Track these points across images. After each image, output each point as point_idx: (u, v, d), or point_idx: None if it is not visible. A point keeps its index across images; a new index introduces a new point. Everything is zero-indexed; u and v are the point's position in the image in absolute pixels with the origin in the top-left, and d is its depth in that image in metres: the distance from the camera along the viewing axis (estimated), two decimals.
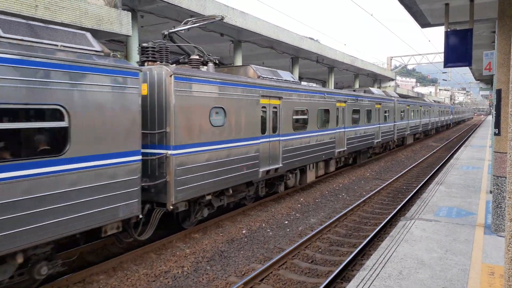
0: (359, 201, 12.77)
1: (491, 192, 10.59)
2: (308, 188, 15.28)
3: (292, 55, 24.80)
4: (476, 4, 8.26)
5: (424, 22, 10.23)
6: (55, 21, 9.84)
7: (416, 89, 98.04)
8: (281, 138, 12.40)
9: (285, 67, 28.16)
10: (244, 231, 10.09)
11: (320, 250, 8.93)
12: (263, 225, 10.69)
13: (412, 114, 31.44)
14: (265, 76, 11.93)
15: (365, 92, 22.18)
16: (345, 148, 17.71)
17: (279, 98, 12.22)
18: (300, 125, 13.62)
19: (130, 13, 11.95)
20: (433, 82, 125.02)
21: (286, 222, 11.08)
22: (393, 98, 26.05)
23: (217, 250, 8.80)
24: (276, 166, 12.16)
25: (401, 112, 27.68)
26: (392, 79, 46.64)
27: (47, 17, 9.64)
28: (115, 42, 18.14)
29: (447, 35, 8.15)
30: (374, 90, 23.51)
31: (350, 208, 11.95)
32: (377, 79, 44.86)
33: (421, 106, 35.12)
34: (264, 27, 18.27)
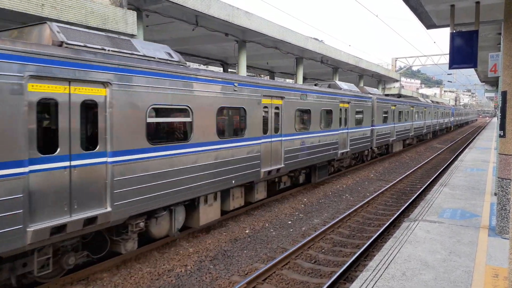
0: (362, 202, 12.74)
1: (495, 194, 10.55)
2: (312, 189, 15.27)
3: (297, 56, 24.76)
4: (482, 5, 8.23)
5: (429, 24, 10.20)
6: (61, 20, 9.89)
7: (421, 91, 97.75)
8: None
9: (290, 67, 28.16)
10: (247, 231, 10.10)
11: (323, 250, 8.93)
12: (267, 225, 10.70)
13: (400, 115, 26.99)
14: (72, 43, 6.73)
15: (329, 86, 17.76)
16: (282, 165, 12.26)
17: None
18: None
19: (136, 12, 11.97)
20: (438, 83, 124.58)
21: (290, 222, 11.08)
22: (370, 95, 21.05)
23: (221, 249, 8.82)
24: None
25: (384, 113, 23.16)
26: (397, 80, 46.46)
27: (53, 15, 9.69)
28: None
29: (453, 36, 8.13)
30: (344, 84, 18.40)
31: (353, 209, 11.93)
32: (381, 80, 44.72)
33: (412, 107, 30.75)
34: (269, 27, 18.26)
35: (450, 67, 8.34)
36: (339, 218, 10.90)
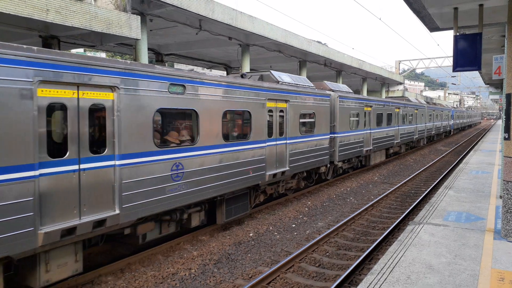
0: (367, 205, 12.71)
1: (501, 197, 10.49)
2: (316, 192, 15.24)
3: (300, 59, 24.80)
4: (485, 8, 8.22)
5: (433, 26, 10.19)
6: (66, 25, 9.96)
7: (424, 93, 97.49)
8: None
9: (293, 70, 28.18)
10: (251, 234, 10.10)
11: (327, 254, 8.91)
12: (270, 228, 10.68)
13: (380, 119, 21.96)
14: None
15: (261, 78, 12.74)
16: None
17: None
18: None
19: (139, 17, 12.04)
20: (442, 86, 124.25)
21: (294, 225, 11.06)
22: (329, 93, 15.86)
23: (225, 252, 8.81)
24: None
25: (353, 116, 18.03)
26: (401, 83, 46.39)
27: (58, 21, 9.77)
28: (125, 46, 18.30)
29: (456, 39, 8.12)
30: (286, 76, 13.48)
31: (358, 212, 11.90)
32: (385, 83, 44.67)
33: (398, 108, 25.51)
34: (272, 30, 18.32)
35: (454, 69, 8.32)
36: (344, 221, 10.87)
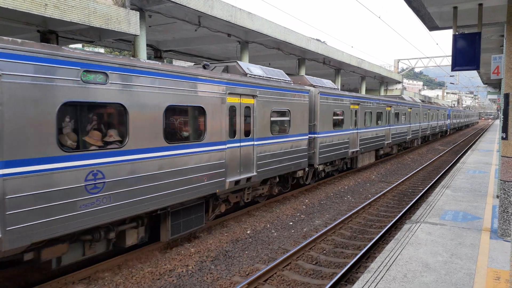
0: (364, 204, 12.73)
1: (497, 196, 10.54)
2: (314, 190, 15.26)
3: (299, 57, 24.78)
4: (484, 7, 8.22)
5: (432, 25, 10.19)
6: (64, 20, 9.92)
7: (423, 92, 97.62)
8: None
9: (292, 68, 28.17)
10: (248, 231, 10.11)
11: (324, 251, 8.93)
12: (268, 225, 10.70)
13: (369, 118, 20.34)
14: None
15: (226, 70, 11.26)
16: None
17: None
18: None
19: (138, 12, 12.01)
20: (441, 85, 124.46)
21: (291, 223, 11.08)
22: (308, 88, 14.23)
23: (222, 249, 8.82)
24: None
25: (337, 115, 16.50)
26: (399, 82, 46.44)
27: (56, 16, 9.72)
28: (123, 42, 18.24)
29: (455, 38, 8.12)
30: (256, 68, 11.96)
31: (355, 210, 11.92)
32: (384, 81, 44.71)
33: (389, 106, 23.88)
34: (271, 28, 18.28)
35: (453, 69, 8.33)
36: (341, 219, 10.89)
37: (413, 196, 14.66)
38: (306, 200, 13.57)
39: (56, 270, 7.25)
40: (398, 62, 50.25)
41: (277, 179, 12.62)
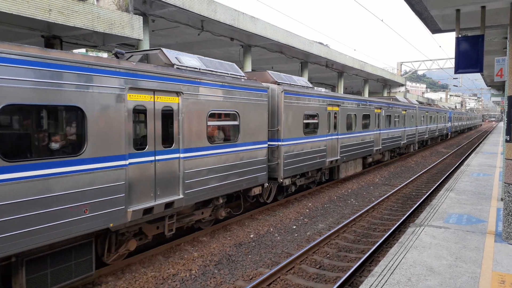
0: (368, 207, 12.70)
1: (502, 199, 10.48)
2: (317, 193, 15.24)
3: (302, 60, 24.81)
4: (487, 10, 8.21)
5: (435, 28, 10.19)
6: (68, 25, 9.99)
7: (426, 95, 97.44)
8: None
9: (295, 71, 28.19)
10: (252, 235, 10.10)
11: (328, 255, 8.90)
12: (271, 229, 10.68)
13: (353, 121, 17.75)
14: None
15: (145, 59, 9.00)
16: None
17: None
18: None
19: (142, 17, 12.08)
20: (444, 88, 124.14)
21: (294, 227, 11.06)
22: (264, 87, 11.46)
23: (225, 254, 8.81)
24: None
25: (309, 118, 13.92)
26: (402, 85, 46.40)
27: (60, 21, 9.79)
28: (126, 46, 18.35)
29: (458, 41, 8.11)
30: (189, 58, 9.30)
31: (358, 213, 11.89)
32: (386, 84, 44.68)
33: (379, 108, 21.18)
34: (274, 31, 18.33)
35: (456, 71, 8.31)
36: (344, 223, 10.86)
37: (416, 199, 14.61)
38: (309, 204, 13.55)
39: None
40: (401, 64, 50.23)
41: (221, 200, 9.99)
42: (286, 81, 13.28)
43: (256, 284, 7.00)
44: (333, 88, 45.74)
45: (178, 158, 8.32)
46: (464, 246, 7.28)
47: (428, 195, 14.72)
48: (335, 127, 16.03)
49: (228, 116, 10.04)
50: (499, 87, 32.05)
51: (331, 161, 15.59)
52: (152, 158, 7.69)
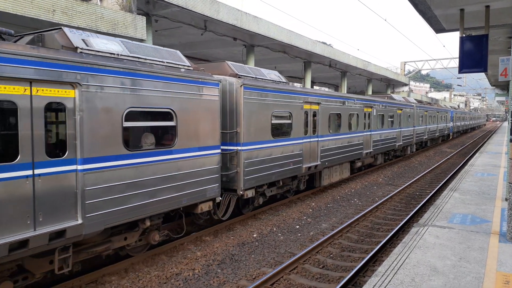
0: (371, 207, 12.67)
1: (506, 199, 10.43)
2: (320, 193, 15.22)
3: (305, 60, 24.80)
4: (491, 9, 8.18)
5: (438, 28, 10.16)
6: (72, 25, 10.03)
7: (430, 95, 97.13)
8: None
9: (298, 71, 28.19)
10: (255, 235, 10.10)
11: (331, 255, 8.89)
12: (274, 229, 10.68)
13: (335, 121, 15.64)
14: None
15: (40, 41, 6.67)
16: None
17: None
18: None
19: (145, 17, 12.11)
20: (448, 87, 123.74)
21: (297, 226, 11.05)
22: (215, 80, 9.33)
23: (228, 253, 8.82)
24: None
25: (279, 118, 11.94)
26: (406, 84, 46.30)
27: (64, 21, 9.84)
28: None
29: (462, 40, 8.09)
30: (103, 41, 7.27)
31: (362, 213, 11.86)
32: (390, 84, 44.58)
33: (369, 107, 19.13)
34: (277, 31, 18.33)
35: (460, 71, 8.29)
36: (348, 222, 10.84)
37: (420, 199, 14.56)
38: (313, 204, 13.54)
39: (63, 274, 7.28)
40: (405, 64, 50.11)
41: (149, 222, 7.86)
42: (251, 74, 11.30)
43: (259, 283, 7.00)
44: (337, 87, 45.72)
45: (75, 171, 6.27)
46: (468, 246, 7.25)
47: (432, 195, 14.67)
48: (314, 128, 14.05)
49: (158, 116, 7.90)
50: (504, 86, 31.92)
51: (309, 167, 13.56)
52: (27, 172, 5.66)
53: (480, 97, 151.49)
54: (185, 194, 8.40)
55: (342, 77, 31.97)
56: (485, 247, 7.17)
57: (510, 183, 7.45)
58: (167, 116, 8.02)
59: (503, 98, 33.97)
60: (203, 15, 13.90)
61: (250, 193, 10.81)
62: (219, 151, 9.46)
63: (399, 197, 15.00)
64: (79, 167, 6.32)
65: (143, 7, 13.32)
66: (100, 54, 6.91)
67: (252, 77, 11.17)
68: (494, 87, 37.91)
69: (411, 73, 52.79)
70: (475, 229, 8.26)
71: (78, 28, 10.38)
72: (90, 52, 6.77)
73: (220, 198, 9.78)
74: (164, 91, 7.86)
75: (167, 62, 8.19)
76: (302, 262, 8.32)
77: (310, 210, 12.80)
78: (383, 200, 13.73)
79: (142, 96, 7.42)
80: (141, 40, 12.66)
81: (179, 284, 7.30)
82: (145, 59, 7.73)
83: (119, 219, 7.00)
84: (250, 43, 19.17)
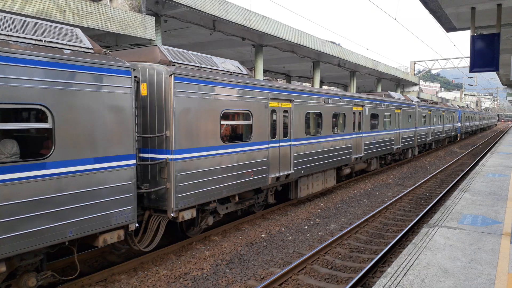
0: (380, 207, 12.59)
1: None
2: (329, 193, 15.16)
3: (314, 59, 24.72)
4: (503, 8, 8.08)
5: (449, 27, 10.05)
6: (82, 26, 10.12)
7: (440, 94, 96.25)
8: None
9: (306, 71, 28.11)
10: (263, 235, 10.09)
11: (340, 256, 8.85)
12: (283, 229, 10.66)
13: (316, 122, 13.59)
14: None
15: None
16: None
17: None
18: None
19: (154, 17, 12.17)
20: (458, 87, 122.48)
21: (306, 227, 11.02)
22: (126, 67, 6.83)
23: (237, 253, 8.82)
24: None
25: (230, 118, 9.70)
26: (416, 84, 45.91)
27: (74, 22, 9.92)
28: (139, 46, 18.51)
29: (473, 39, 7.99)
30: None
31: (371, 214, 11.79)
32: (400, 83, 44.26)
33: (360, 106, 16.71)
34: (285, 31, 18.29)
35: (471, 70, 8.20)
36: (357, 223, 10.78)
37: (430, 199, 14.43)
38: (321, 204, 13.49)
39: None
40: (415, 64, 49.71)
41: (30, 259, 5.95)
42: (195, 62, 8.91)
43: (267, 283, 6.99)
44: (346, 87, 45.52)
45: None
46: (479, 247, 7.16)
47: (442, 195, 14.53)
48: (285, 131, 11.73)
49: (19, 115, 5.79)
50: None
51: (278, 178, 11.26)
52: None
53: (491, 97, 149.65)
54: (71, 223, 6.04)
55: (351, 76, 31.81)
56: (497, 249, 7.08)
57: None
58: (38, 115, 5.84)
59: None
60: (212, 15, 13.92)
61: (188, 214, 8.41)
62: (133, 162, 7.02)
63: (408, 197, 14.88)
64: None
65: (152, 8, 13.38)
66: None
67: (193, 65, 8.79)
68: (505, 86, 37.43)
69: (421, 72, 52.34)
70: (486, 230, 8.16)
71: (88, 28, 10.47)
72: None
73: (137, 225, 7.25)
74: (31, 80, 5.53)
75: (47, 42, 5.98)
76: (310, 262, 8.29)
77: (319, 210, 12.75)
78: (392, 200, 13.63)
79: None
80: (150, 40, 12.73)
81: (188, 283, 7.32)
82: (6, 34, 5.52)
83: None
84: (259, 43, 19.16)
